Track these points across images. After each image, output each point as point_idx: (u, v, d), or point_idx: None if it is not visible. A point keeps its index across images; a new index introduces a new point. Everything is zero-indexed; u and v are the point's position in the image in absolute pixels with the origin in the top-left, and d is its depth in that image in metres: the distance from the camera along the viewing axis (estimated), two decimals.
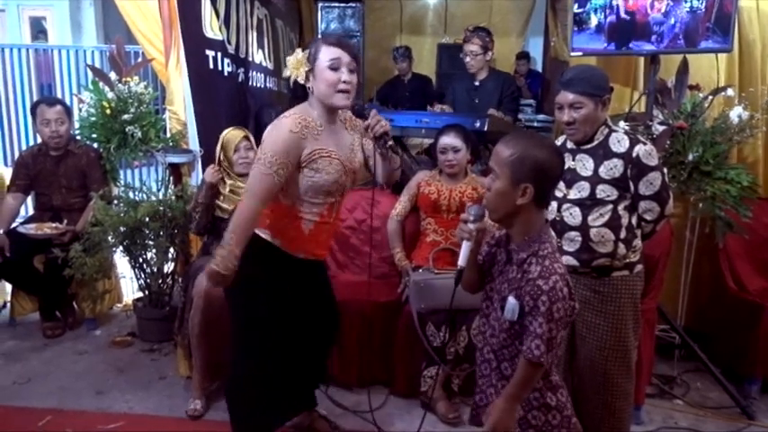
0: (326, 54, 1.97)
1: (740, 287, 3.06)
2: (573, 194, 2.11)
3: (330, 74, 1.97)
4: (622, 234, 2.08)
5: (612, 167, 2.05)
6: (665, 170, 2.14)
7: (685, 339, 2.97)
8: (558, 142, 2.21)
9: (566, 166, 2.08)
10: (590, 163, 2.09)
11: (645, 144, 2.07)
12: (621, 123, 2.68)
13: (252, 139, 2.89)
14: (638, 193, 2.07)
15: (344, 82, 1.97)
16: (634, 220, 2.12)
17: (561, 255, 2.11)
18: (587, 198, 2.08)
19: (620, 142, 2.06)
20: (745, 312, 2.90)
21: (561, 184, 2.13)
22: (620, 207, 2.08)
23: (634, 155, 2.03)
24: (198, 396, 2.69)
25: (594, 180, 2.07)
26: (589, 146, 2.11)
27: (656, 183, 2.06)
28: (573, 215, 2.11)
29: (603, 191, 2.07)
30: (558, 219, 2.14)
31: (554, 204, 2.14)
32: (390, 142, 2.00)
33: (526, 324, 1.48)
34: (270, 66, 4.37)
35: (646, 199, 2.08)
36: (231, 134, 2.89)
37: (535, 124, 5.14)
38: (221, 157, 2.89)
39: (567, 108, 2.06)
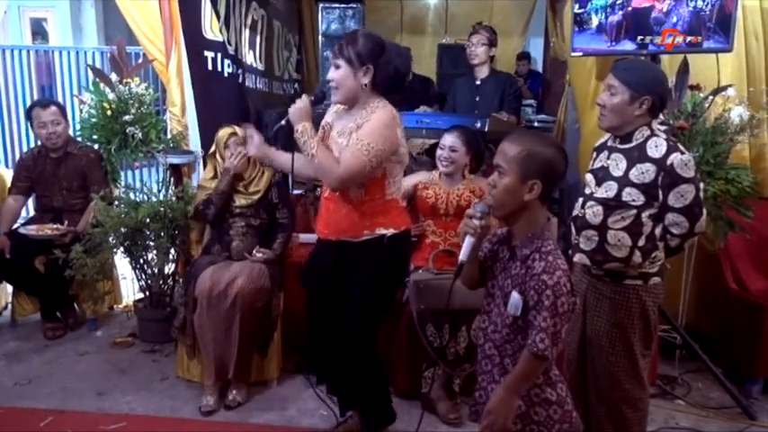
0: None
1: (741, 287, 3.06)
2: (600, 193, 2.04)
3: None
4: (641, 242, 1.99)
5: (644, 171, 1.96)
6: (702, 185, 2.03)
7: (687, 340, 2.96)
8: (602, 140, 2.17)
9: (600, 164, 2.07)
10: (623, 163, 2.01)
11: (683, 153, 1.96)
12: None
13: (240, 133, 2.88)
14: (666, 204, 1.97)
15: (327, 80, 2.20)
16: (658, 231, 2.02)
17: (576, 252, 2.09)
18: (612, 199, 2.00)
19: (657, 147, 1.97)
20: (747, 313, 2.90)
21: (592, 181, 2.08)
22: (645, 215, 1.98)
23: (668, 162, 1.93)
24: (211, 393, 2.72)
25: (623, 182, 1.99)
26: (626, 146, 2.03)
27: (687, 196, 1.95)
28: (595, 213, 2.03)
29: (630, 194, 1.98)
30: (580, 215, 2.08)
31: (580, 200, 2.10)
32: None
33: (530, 319, 1.50)
34: (260, 67, 4.25)
35: (674, 211, 1.97)
36: (220, 133, 2.95)
37: (535, 124, 5.15)
38: (218, 158, 2.96)
39: (606, 90, 2.03)
